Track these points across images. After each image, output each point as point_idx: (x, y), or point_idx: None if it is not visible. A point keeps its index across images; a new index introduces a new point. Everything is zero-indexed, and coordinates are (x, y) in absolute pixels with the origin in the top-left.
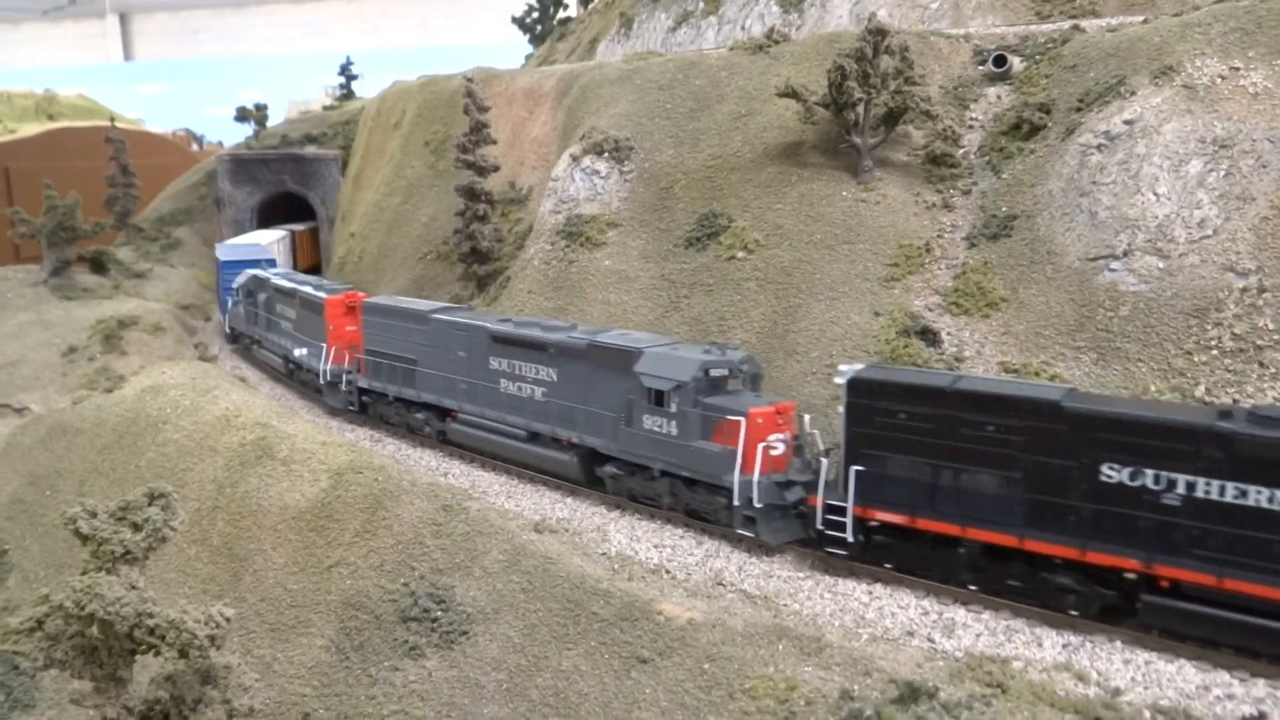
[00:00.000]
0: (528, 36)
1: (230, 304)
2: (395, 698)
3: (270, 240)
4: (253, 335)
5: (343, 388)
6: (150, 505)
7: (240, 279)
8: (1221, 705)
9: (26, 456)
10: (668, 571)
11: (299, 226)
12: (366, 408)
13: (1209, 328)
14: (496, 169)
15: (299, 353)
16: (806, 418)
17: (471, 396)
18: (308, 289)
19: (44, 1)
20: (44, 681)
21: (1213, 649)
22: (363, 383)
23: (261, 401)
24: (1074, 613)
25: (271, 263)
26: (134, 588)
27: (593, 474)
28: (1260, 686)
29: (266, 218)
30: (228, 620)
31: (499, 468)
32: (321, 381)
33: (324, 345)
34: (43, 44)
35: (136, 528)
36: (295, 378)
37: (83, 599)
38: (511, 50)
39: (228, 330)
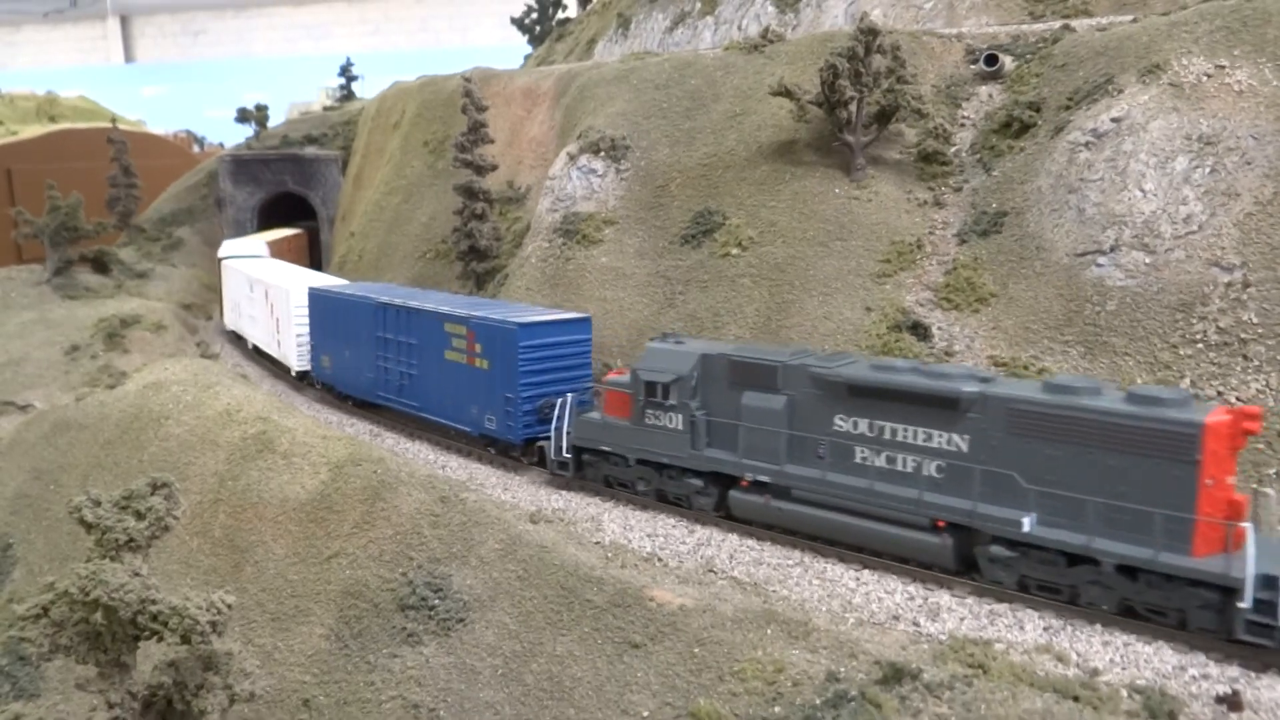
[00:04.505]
0: (527, 37)
1: (561, 407)
2: (393, 684)
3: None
4: (716, 469)
5: None
6: (153, 494)
7: (662, 363)
8: (1197, 685)
9: (31, 452)
10: (660, 559)
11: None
12: None
13: (1194, 322)
14: (495, 168)
15: (1028, 523)
16: None
17: None
18: (1041, 396)
19: (45, 4)
20: (49, 671)
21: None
22: None
23: (262, 397)
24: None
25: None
26: (137, 575)
27: None
28: (1235, 667)
29: (267, 218)
30: (229, 607)
31: (496, 461)
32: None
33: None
34: (44, 46)
35: (140, 516)
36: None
37: (87, 585)
38: (511, 52)
39: (562, 454)
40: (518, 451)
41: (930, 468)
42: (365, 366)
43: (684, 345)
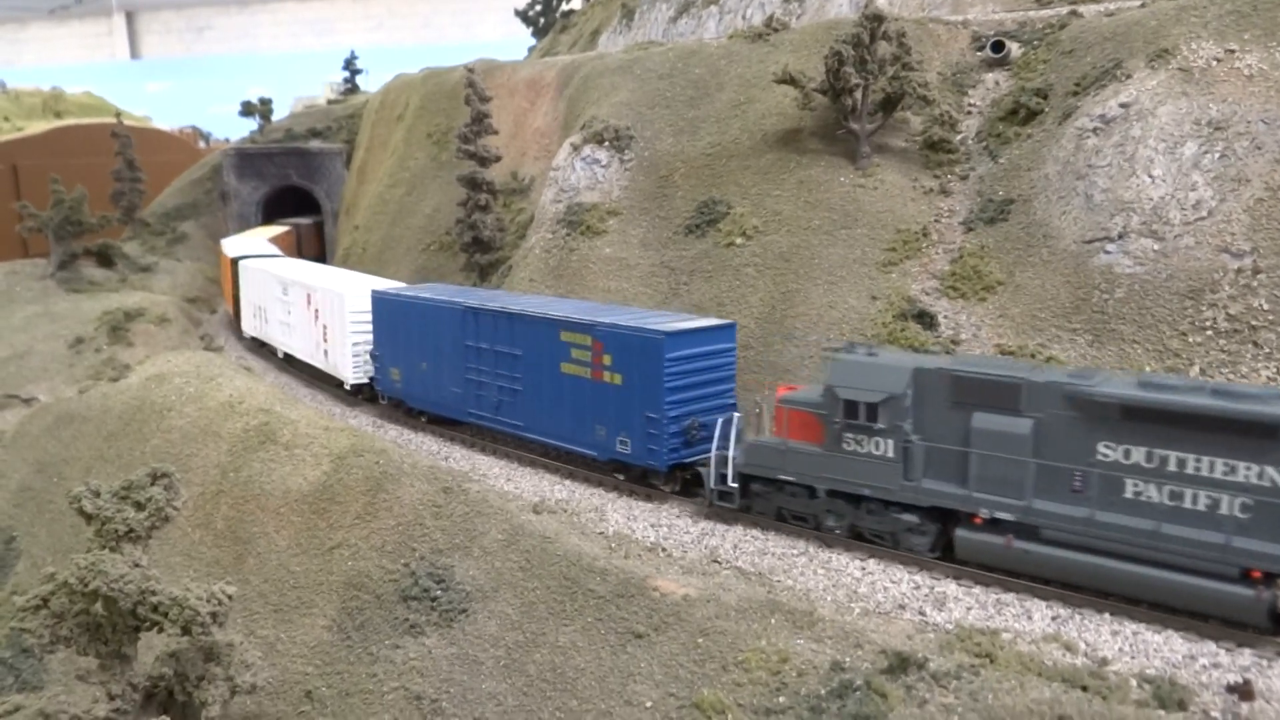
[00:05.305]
0: (531, 29)
1: (724, 427)
2: (396, 674)
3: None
4: None
5: None
6: (153, 485)
7: (862, 378)
8: (1208, 674)
9: (34, 445)
10: (664, 550)
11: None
12: None
13: (1204, 309)
14: (498, 159)
15: None
16: None
17: None
18: None
19: (51, 0)
20: (51, 664)
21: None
22: None
23: (264, 388)
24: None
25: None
26: (137, 565)
27: None
28: (1246, 656)
29: (271, 212)
30: (230, 598)
31: (499, 452)
32: None
33: None
34: (50, 43)
35: (139, 507)
36: None
37: (87, 576)
38: (516, 46)
39: (726, 482)
40: (660, 479)
41: (1233, 506)
42: (449, 380)
43: (878, 357)
